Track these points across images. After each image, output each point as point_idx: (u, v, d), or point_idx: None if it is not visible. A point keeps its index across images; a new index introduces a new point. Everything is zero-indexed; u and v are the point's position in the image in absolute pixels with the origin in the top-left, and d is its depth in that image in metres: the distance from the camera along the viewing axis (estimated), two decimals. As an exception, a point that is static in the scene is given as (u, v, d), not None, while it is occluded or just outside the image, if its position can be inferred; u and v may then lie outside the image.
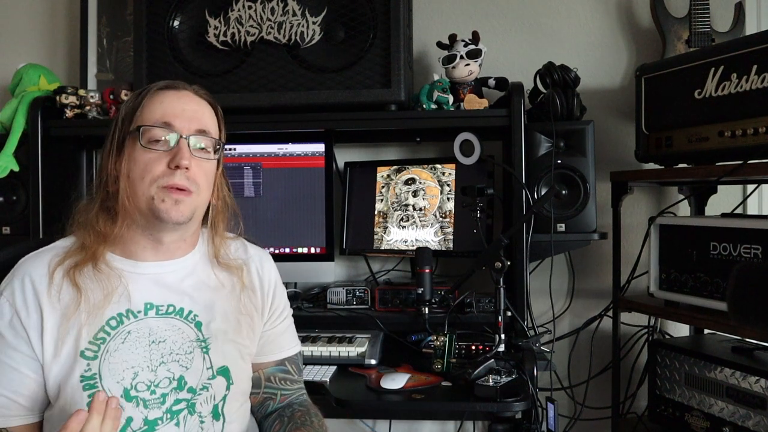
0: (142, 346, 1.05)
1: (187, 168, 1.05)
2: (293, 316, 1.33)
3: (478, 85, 1.91)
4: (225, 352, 1.12)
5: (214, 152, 1.12)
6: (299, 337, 1.31)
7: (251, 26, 1.83)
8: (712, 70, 1.56)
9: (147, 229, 1.09)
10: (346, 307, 1.90)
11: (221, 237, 1.19)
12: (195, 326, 1.11)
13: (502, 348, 1.59)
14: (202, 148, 1.10)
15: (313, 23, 1.82)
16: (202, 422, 1.06)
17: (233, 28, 1.84)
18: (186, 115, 1.09)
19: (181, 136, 1.07)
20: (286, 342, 1.27)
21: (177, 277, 1.13)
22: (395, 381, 1.54)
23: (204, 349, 1.10)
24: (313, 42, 1.82)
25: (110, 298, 1.05)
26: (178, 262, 1.14)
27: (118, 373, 1.02)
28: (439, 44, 1.96)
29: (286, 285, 2.01)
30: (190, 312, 1.11)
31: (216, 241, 1.18)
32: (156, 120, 1.07)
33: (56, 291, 1.04)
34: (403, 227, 2.00)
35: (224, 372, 1.11)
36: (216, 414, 1.09)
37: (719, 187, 1.93)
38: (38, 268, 1.06)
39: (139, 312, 1.07)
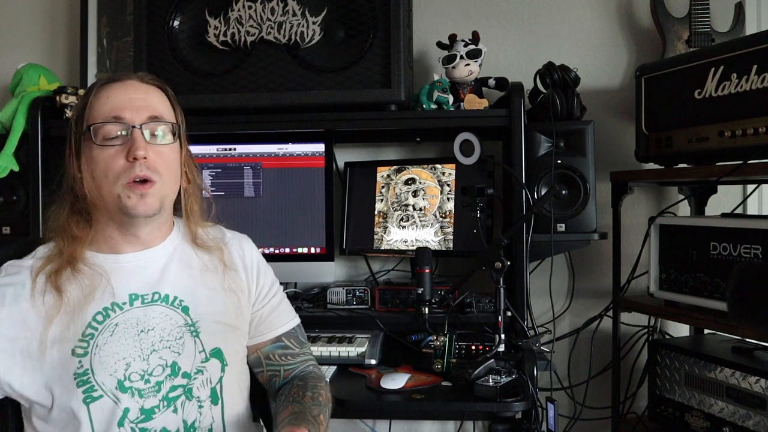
0: (131, 337, 1.05)
1: (144, 158, 1.04)
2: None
3: (478, 85, 1.91)
4: (215, 334, 1.12)
5: (173, 136, 1.11)
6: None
7: (251, 26, 1.83)
8: (712, 70, 1.56)
9: (121, 225, 1.09)
10: (346, 307, 1.90)
11: (196, 220, 1.19)
12: (182, 311, 1.11)
13: (502, 348, 1.59)
14: (159, 135, 1.09)
15: (313, 23, 1.82)
16: (200, 406, 1.07)
17: (233, 28, 1.84)
18: (134, 104, 1.07)
19: (133, 127, 1.05)
20: (280, 318, 1.26)
21: (158, 265, 1.13)
22: (395, 381, 1.54)
23: (194, 333, 1.10)
24: (313, 42, 1.82)
25: (93, 295, 1.06)
26: (157, 249, 1.14)
27: (110, 365, 1.02)
28: (439, 44, 1.96)
29: (286, 285, 2.04)
30: (176, 298, 1.11)
31: (192, 226, 1.18)
32: (105, 116, 1.06)
33: (40, 294, 1.04)
34: (403, 227, 2.00)
35: (217, 354, 1.11)
36: (215, 398, 1.09)
37: (719, 187, 1.93)
38: (22, 272, 1.07)
39: (124, 304, 1.08)
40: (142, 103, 1.08)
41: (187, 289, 1.13)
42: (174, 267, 1.14)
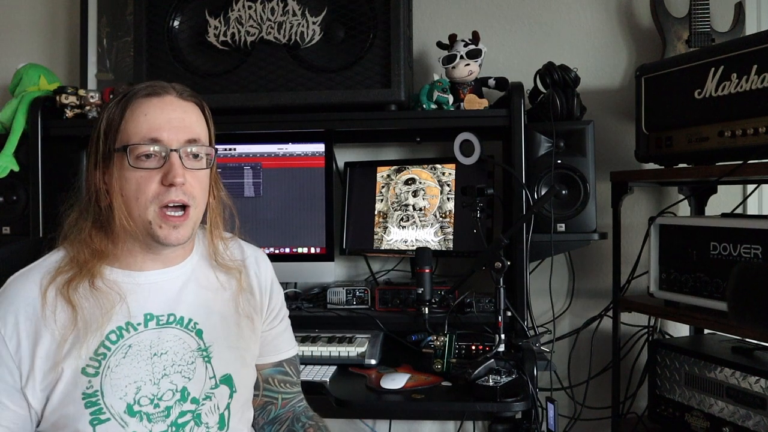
0: (144, 360, 1.03)
1: (183, 184, 1.02)
2: (293, 316, 1.32)
3: (478, 85, 1.91)
4: (227, 360, 1.10)
5: (207, 159, 1.08)
6: (299, 337, 1.30)
7: (251, 26, 1.83)
8: (712, 70, 1.56)
9: (145, 245, 1.06)
10: (346, 307, 1.90)
11: (219, 236, 1.17)
12: (196, 334, 1.09)
13: (502, 348, 1.59)
14: (195, 157, 1.06)
15: (313, 23, 1.82)
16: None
17: (233, 28, 1.84)
18: (173, 124, 1.04)
19: (171, 150, 1.02)
20: (285, 344, 1.27)
21: (176, 285, 1.11)
22: (395, 381, 1.54)
23: (206, 358, 1.08)
24: (313, 42, 1.82)
25: (109, 315, 1.02)
26: (177, 268, 1.12)
27: (120, 388, 1.00)
28: (439, 44, 1.96)
29: (286, 285, 2.04)
30: (191, 320, 1.09)
31: (214, 242, 1.16)
32: (142, 137, 1.02)
33: (51, 311, 1.00)
34: (403, 227, 2.00)
35: (227, 380, 1.09)
36: (222, 423, 1.08)
37: (719, 187, 1.92)
38: (29, 290, 1.02)
39: (139, 324, 1.05)
40: (180, 124, 1.05)
41: (202, 312, 1.11)
42: (191, 288, 1.12)
